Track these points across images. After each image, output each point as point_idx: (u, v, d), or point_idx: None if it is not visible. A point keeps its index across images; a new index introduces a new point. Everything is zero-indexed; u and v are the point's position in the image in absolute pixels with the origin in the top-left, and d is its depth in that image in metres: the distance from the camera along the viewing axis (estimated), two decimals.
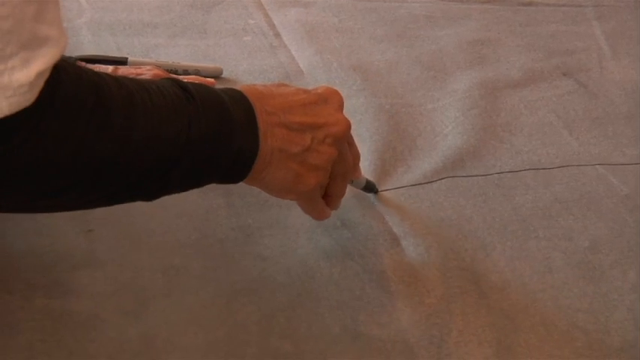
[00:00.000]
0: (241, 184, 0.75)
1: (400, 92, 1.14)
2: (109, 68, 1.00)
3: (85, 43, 1.17)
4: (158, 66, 1.05)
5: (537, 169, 1.01)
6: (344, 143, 0.80)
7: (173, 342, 0.75)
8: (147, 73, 1.00)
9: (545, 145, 1.06)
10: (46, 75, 0.54)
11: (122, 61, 1.09)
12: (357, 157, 0.86)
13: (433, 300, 0.82)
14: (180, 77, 1.06)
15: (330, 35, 1.27)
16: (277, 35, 1.25)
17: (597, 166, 1.02)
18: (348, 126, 0.80)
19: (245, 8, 1.31)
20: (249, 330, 0.77)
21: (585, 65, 1.24)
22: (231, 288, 0.81)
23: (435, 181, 0.98)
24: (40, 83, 0.53)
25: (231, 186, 0.77)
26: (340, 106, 0.81)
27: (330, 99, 0.80)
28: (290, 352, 0.75)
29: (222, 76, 1.14)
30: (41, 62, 0.52)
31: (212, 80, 1.10)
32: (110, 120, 0.61)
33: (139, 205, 0.72)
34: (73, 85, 0.58)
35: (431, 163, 1.01)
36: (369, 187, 0.93)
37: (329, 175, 0.80)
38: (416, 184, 0.97)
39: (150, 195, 0.70)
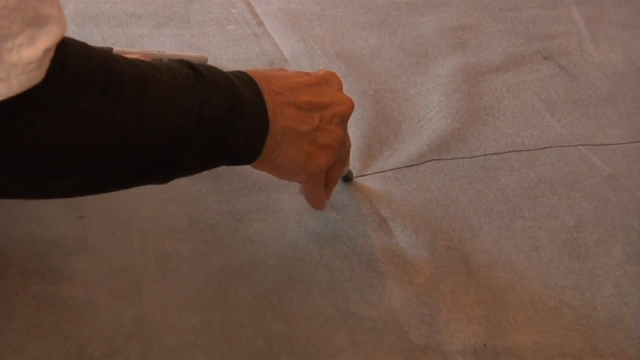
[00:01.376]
0: (230, 169, 0.76)
1: (384, 78, 1.15)
2: None
3: (69, 34, 1.16)
4: (144, 55, 1.05)
5: (521, 150, 1.03)
6: (346, 124, 0.81)
7: (167, 324, 0.76)
8: None
9: (529, 127, 1.07)
10: (52, 52, 0.54)
11: (107, 51, 1.09)
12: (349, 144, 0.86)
13: (422, 279, 0.83)
14: None
15: (312, 23, 1.27)
16: (260, 24, 1.26)
17: (580, 146, 1.04)
18: (353, 105, 0.81)
19: None
20: (242, 312, 0.78)
21: (565, 49, 1.25)
22: (223, 271, 0.82)
23: (421, 163, 0.99)
24: (47, 60, 0.53)
25: (220, 171, 0.78)
26: (341, 87, 0.82)
27: (331, 80, 0.81)
28: (283, 333, 0.76)
29: (207, 64, 1.14)
30: (46, 39, 0.53)
31: None
32: (124, 96, 0.61)
33: (129, 192, 0.72)
34: (83, 62, 0.58)
35: (416, 146, 1.02)
36: (348, 177, 0.94)
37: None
38: (402, 167, 0.98)
39: (164, 177, 0.70)
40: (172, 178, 0.71)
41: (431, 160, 0.99)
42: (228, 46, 1.20)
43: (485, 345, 0.76)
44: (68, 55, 0.56)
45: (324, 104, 0.78)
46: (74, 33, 1.16)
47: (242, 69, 1.10)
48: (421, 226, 0.89)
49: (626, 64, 1.22)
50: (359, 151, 0.99)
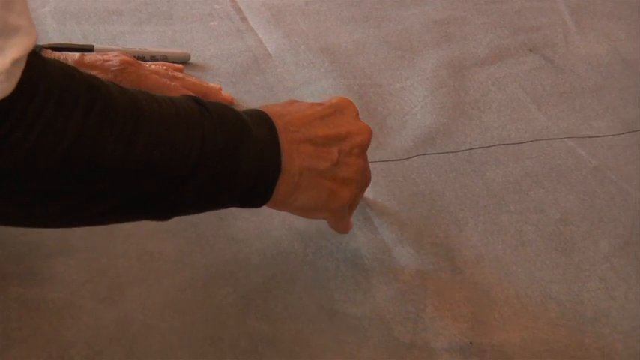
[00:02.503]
0: None
1: (368, 73, 1.14)
2: (75, 56, 0.99)
3: (50, 32, 1.16)
4: (126, 52, 1.04)
5: (507, 144, 1.02)
6: (366, 153, 0.79)
7: (150, 326, 0.75)
8: (113, 59, 0.99)
9: (514, 120, 1.06)
10: (22, 64, 0.52)
11: (88, 49, 1.08)
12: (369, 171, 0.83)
13: (408, 277, 0.82)
14: (148, 64, 1.05)
15: (296, 18, 1.26)
16: (244, 19, 1.25)
17: (566, 139, 1.03)
18: (371, 133, 0.78)
19: None
20: (226, 312, 0.77)
21: (551, 41, 1.25)
22: (207, 271, 0.81)
23: (407, 158, 0.98)
24: (17, 72, 0.52)
25: None
26: (357, 115, 0.79)
27: (346, 109, 0.78)
28: (267, 333, 0.75)
29: (190, 61, 1.14)
30: (16, 50, 0.51)
31: (180, 66, 1.10)
32: (110, 121, 0.58)
33: None
34: (62, 80, 0.56)
35: (402, 141, 1.01)
36: None
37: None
38: (388, 161, 0.97)
39: (162, 212, 0.67)
40: (171, 216, 0.68)
41: (417, 155, 0.99)
42: (211, 42, 1.19)
43: (471, 342, 0.75)
44: (43, 71, 0.55)
45: (342, 136, 0.75)
46: (55, 30, 1.16)
47: (225, 65, 1.11)
48: (407, 222, 0.88)
49: (611, 55, 1.22)
50: None
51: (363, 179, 0.79)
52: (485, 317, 0.79)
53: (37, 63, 0.54)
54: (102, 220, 0.67)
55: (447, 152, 1.00)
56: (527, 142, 1.03)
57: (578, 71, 1.17)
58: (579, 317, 0.79)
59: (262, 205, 0.72)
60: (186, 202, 0.66)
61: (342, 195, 0.75)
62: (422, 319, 0.78)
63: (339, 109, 0.77)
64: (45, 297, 0.77)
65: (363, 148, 0.77)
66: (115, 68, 0.98)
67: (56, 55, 0.99)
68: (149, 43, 1.16)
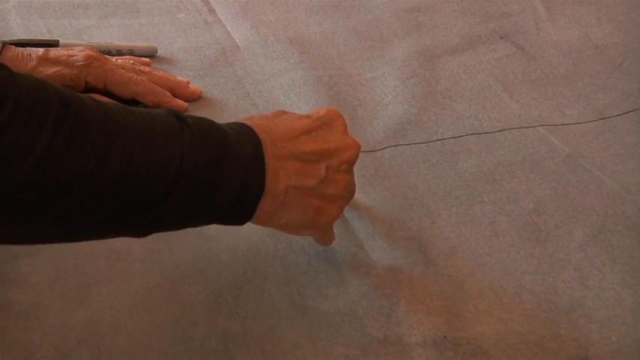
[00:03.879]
0: None
1: (338, 63, 1.13)
2: (39, 51, 0.97)
3: (14, 27, 1.15)
4: (91, 47, 1.02)
5: (479, 133, 1.01)
6: (353, 169, 0.77)
7: (118, 326, 0.74)
8: (78, 54, 0.97)
9: (486, 109, 1.05)
10: None
11: (53, 44, 1.06)
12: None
13: (380, 271, 0.81)
14: (115, 58, 1.04)
15: (265, 9, 1.25)
16: (212, 11, 1.23)
17: (538, 127, 1.03)
18: (359, 148, 0.77)
19: None
20: (195, 310, 0.76)
21: (522, 27, 1.24)
22: (176, 269, 0.80)
23: (378, 150, 0.97)
24: None
25: None
26: (345, 128, 0.77)
27: (334, 122, 0.76)
28: (238, 331, 0.74)
29: (157, 55, 1.12)
30: None
31: (147, 60, 1.08)
32: (85, 132, 0.56)
33: None
34: (33, 91, 0.54)
35: (373, 132, 1.00)
36: None
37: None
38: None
39: (140, 229, 0.65)
40: (150, 232, 0.65)
41: (388, 147, 0.98)
42: (178, 35, 1.17)
43: (445, 336, 0.74)
44: (12, 83, 0.53)
45: (329, 152, 0.73)
46: (19, 25, 1.14)
47: (193, 58, 1.10)
48: (379, 215, 0.87)
49: (582, 40, 1.21)
50: None
51: (350, 194, 0.77)
52: (459, 310, 0.78)
53: (4, 75, 0.53)
54: (77, 237, 0.64)
55: (419, 143, 0.99)
56: (500, 130, 1.02)
57: (550, 58, 1.17)
58: (554, 308, 0.79)
59: (245, 222, 0.70)
60: (164, 219, 0.64)
61: (329, 212, 0.74)
62: (395, 314, 0.77)
63: (327, 122, 0.75)
64: (10, 299, 0.75)
65: (351, 164, 0.76)
66: (80, 63, 0.97)
67: (20, 51, 0.97)
68: (115, 37, 1.15)
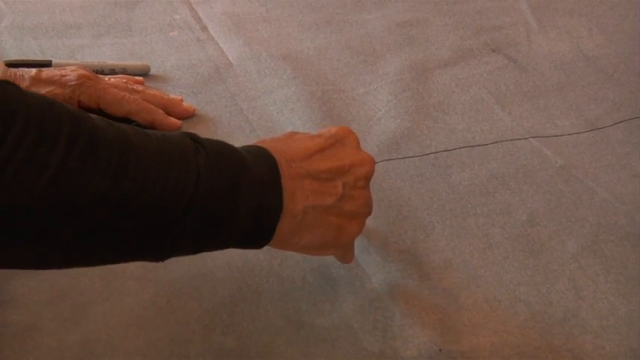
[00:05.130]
0: None
1: (331, 78, 1.14)
2: (32, 71, 0.97)
3: (6, 49, 1.15)
4: (84, 66, 1.03)
5: (472, 146, 1.01)
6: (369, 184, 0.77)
7: (114, 345, 0.74)
8: (71, 74, 0.98)
9: (479, 121, 1.06)
10: None
11: (46, 64, 1.07)
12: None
13: (375, 285, 0.81)
14: (107, 77, 1.04)
15: (257, 26, 1.25)
16: (204, 29, 1.24)
17: (531, 139, 1.03)
18: (374, 163, 0.77)
19: (170, 3, 1.30)
20: (191, 328, 0.76)
21: (514, 40, 1.24)
22: (171, 287, 0.80)
23: None
24: None
25: None
26: (358, 144, 0.77)
27: (346, 138, 0.76)
28: (234, 348, 0.74)
29: (150, 73, 1.12)
30: None
31: (140, 79, 1.09)
32: (95, 154, 0.55)
33: None
34: (44, 109, 0.53)
35: (366, 147, 1.00)
36: None
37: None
38: None
39: (156, 252, 0.63)
40: (168, 256, 0.64)
41: (382, 161, 0.98)
42: (171, 52, 1.18)
43: (440, 350, 0.75)
44: (22, 101, 0.52)
45: (345, 168, 0.73)
46: (12, 47, 1.15)
47: (186, 76, 1.10)
48: (373, 229, 0.87)
49: (574, 52, 1.22)
50: None
51: (368, 210, 0.77)
52: (454, 323, 0.78)
53: (13, 93, 0.52)
54: (91, 261, 0.63)
55: (412, 156, 0.99)
56: (492, 143, 1.02)
57: (542, 70, 1.17)
58: (549, 319, 0.79)
59: (264, 245, 0.69)
60: (182, 242, 0.63)
61: (350, 229, 0.73)
62: (390, 328, 0.77)
63: (339, 139, 0.75)
64: (6, 320, 0.75)
65: (368, 180, 0.75)
66: (73, 83, 0.97)
67: (12, 71, 0.97)
68: (108, 56, 1.15)
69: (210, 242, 0.66)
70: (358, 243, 0.85)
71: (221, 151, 0.65)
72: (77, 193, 0.54)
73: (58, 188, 0.53)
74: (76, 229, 0.56)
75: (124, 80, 1.05)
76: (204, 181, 0.61)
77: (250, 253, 0.83)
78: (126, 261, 0.64)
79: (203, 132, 0.99)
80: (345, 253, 0.79)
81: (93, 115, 0.58)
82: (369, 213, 0.77)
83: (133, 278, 0.80)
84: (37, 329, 0.75)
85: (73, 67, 1.00)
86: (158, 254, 0.64)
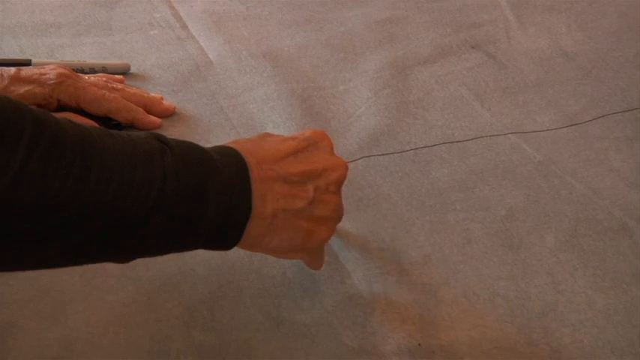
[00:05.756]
0: None
1: (311, 76, 1.14)
2: (11, 70, 0.97)
3: None
4: (64, 65, 1.03)
5: (451, 142, 1.02)
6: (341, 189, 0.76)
7: (94, 343, 0.74)
8: (50, 72, 0.98)
9: (458, 118, 1.06)
10: None
11: (26, 63, 1.07)
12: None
13: (354, 281, 0.81)
14: (87, 76, 1.04)
15: (238, 24, 1.26)
16: (184, 27, 1.24)
17: (510, 135, 1.04)
18: (347, 168, 0.76)
19: (150, 2, 1.30)
20: (171, 325, 0.76)
21: (493, 37, 1.25)
22: (152, 285, 0.80)
23: (351, 161, 0.97)
24: None
25: None
26: (332, 149, 0.76)
27: (320, 142, 0.75)
28: (214, 344, 0.74)
29: (131, 72, 1.12)
30: None
31: (121, 77, 1.09)
32: (61, 153, 0.54)
33: None
34: (5, 111, 0.53)
35: (346, 144, 1.01)
36: None
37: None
38: None
39: (122, 254, 0.63)
40: (132, 258, 0.64)
41: (361, 158, 0.98)
42: (151, 51, 1.18)
43: (419, 344, 0.75)
44: None
45: (317, 172, 0.72)
46: None
47: (166, 75, 1.10)
48: (352, 227, 0.88)
49: (552, 48, 1.22)
50: None
51: (339, 215, 0.76)
52: (433, 318, 0.78)
53: None
54: (57, 263, 0.62)
55: (392, 153, 1.00)
56: (472, 139, 1.03)
57: (521, 66, 1.18)
58: (527, 313, 0.79)
59: (231, 247, 0.69)
60: (147, 244, 0.62)
61: (319, 234, 0.73)
62: (370, 324, 0.77)
63: (312, 142, 0.74)
64: None
65: (339, 185, 0.75)
66: (52, 82, 0.97)
67: None
68: (88, 56, 1.15)
69: (176, 244, 0.65)
70: (338, 240, 0.86)
71: (188, 152, 0.64)
72: (39, 195, 0.53)
73: (19, 190, 0.52)
74: (39, 231, 0.55)
75: (104, 79, 1.04)
76: (170, 183, 0.61)
77: (230, 251, 0.83)
78: (89, 263, 0.64)
79: (183, 130, 0.99)
80: (314, 258, 0.78)
81: (60, 116, 0.57)
82: (340, 218, 0.77)
83: (113, 276, 0.80)
84: (17, 327, 0.75)
85: (52, 66, 1.00)
86: (124, 256, 0.63)
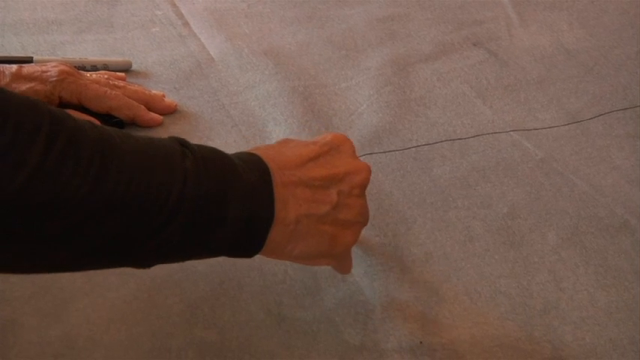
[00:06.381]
0: None
1: (313, 73, 1.14)
2: (12, 68, 0.97)
3: None
4: (65, 62, 1.03)
5: (453, 139, 1.02)
6: (365, 193, 0.74)
7: (95, 340, 0.74)
8: (52, 69, 0.98)
9: (460, 115, 1.06)
10: None
11: (27, 61, 1.07)
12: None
13: (356, 278, 0.81)
14: (89, 73, 1.04)
15: (239, 21, 1.26)
16: (186, 24, 1.24)
17: (512, 132, 1.03)
18: (370, 171, 0.74)
19: None
20: (172, 322, 0.76)
21: (495, 34, 1.25)
22: (153, 282, 0.80)
23: None
24: None
25: None
26: (354, 152, 0.75)
27: (342, 146, 0.74)
28: (215, 341, 0.74)
29: (132, 69, 1.12)
30: None
31: (122, 74, 1.08)
32: (79, 152, 0.53)
33: None
34: (22, 107, 0.52)
35: None
36: None
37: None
38: None
39: (141, 259, 0.62)
40: (153, 263, 0.63)
41: (363, 155, 0.98)
42: (153, 48, 1.18)
43: (421, 342, 0.75)
44: (1, 97, 0.51)
45: (339, 176, 0.71)
46: None
47: (168, 72, 1.10)
48: None
49: (554, 46, 1.22)
50: None
51: (365, 219, 0.75)
52: (434, 316, 0.78)
53: None
54: (73, 265, 0.61)
55: (394, 150, 1.00)
56: (473, 136, 1.03)
57: (522, 63, 1.18)
58: (529, 311, 0.79)
59: (255, 254, 0.68)
60: (167, 248, 0.61)
61: (344, 239, 0.71)
62: (371, 321, 0.77)
63: (334, 146, 0.73)
64: None
65: (363, 188, 0.73)
66: (54, 79, 0.97)
67: None
68: (90, 53, 1.15)
69: (197, 249, 0.64)
70: None
71: (210, 156, 0.63)
72: (56, 194, 0.52)
73: (35, 187, 0.51)
74: (54, 233, 0.54)
75: (106, 76, 1.04)
76: (191, 186, 0.60)
77: None
78: (109, 267, 0.62)
79: (185, 128, 0.99)
80: (341, 263, 0.77)
81: (81, 118, 0.57)
82: (365, 222, 0.75)
83: (114, 273, 0.80)
84: (18, 325, 0.75)
85: (54, 63, 1.00)
86: (143, 261, 0.62)
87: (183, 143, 0.63)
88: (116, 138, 0.57)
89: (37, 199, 0.52)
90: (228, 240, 0.64)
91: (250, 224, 0.64)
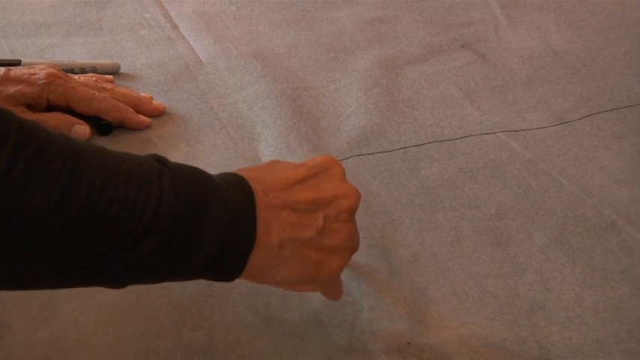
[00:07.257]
0: None
1: (301, 75, 1.14)
2: (0, 70, 0.97)
3: None
4: (53, 65, 1.03)
5: (441, 141, 1.02)
6: (354, 217, 0.72)
7: (83, 342, 0.74)
8: (39, 72, 0.98)
9: (448, 117, 1.07)
10: None
11: (15, 63, 1.07)
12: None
13: (344, 279, 0.81)
14: (77, 76, 1.04)
15: (228, 24, 1.26)
16: (175, 27, 1.24)
17: (499, 133, 1.04)
18: (359, 196, 0.72)
19: (140, 2, 1.30)
20: (160, 324, 0.76)
21: (482, 36, 1.25)
22: None
23: (342, 160, 0.97)
24: None
25: None
26: (343, 175, 0.73)
27: (331, 169, 0.72)
28: (203, 343, 0.75)
29: (121, 71, 1.12)
30: None
31: (110, 77, 1.09)
32: (48, 163, 0.51)
33: None
34: None
35: (336, 143, 1.01)
36: None
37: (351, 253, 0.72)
38: None
39: (113, 278, 0.59)
40: (126, 283, 0.60)
41: (351, 157, 0.98)
42: (141, 51, 1.18)
43: (408, 343, 0.75)
44: None
45: (327, 200, 0.68)
46: None
47: (156, 74, 1.10)
48: None
49: (542, 47, 1.23)
50: (278, 150, 0.98)
51: (353, 245, 0.72)
52: (422, 316, 0.78)
53: None
54: (43, 283, 0.58)
55: (382, 152, 1.00)
56: (461, 137, 1.03)
57: (510, 65, 1.18)
58: (516, 311, 0.80)
59: (235, 278, 0.65)
60: (140, 267, 0.58)
61: (330, 265, 0.68)
62: (359, 322, 0.77)
63: (322, 169, 0.71)
64: None
65: (352, 213, 0.71)
66: (42, 82, 0.97)
67: None
68: (78, 55, 1.15)
69: (172, 270, 0.61)
70: None
71: (190, 175, 0.61)
72: (23, 206, 0.50)
73: (1, 199, 0.50)
74: (21, 247, 0.52)
75: (94, 79, 1.04)
76: (166, 205, 0.57)
77: None
78: (82, 285, 0.59)
79: (173, 130, 1.00)
80: (329, 290, 0.75)
81: (49, 128, 0.55)
82: (355, 248, 0.72)
83: None
84: (6, 327, 0.75)
85: (42, 66, 1.00)
86: (116, 279, 0.60)
87: (161, 161, 0.61)
88: (89, 152, 0.56)
89: (2, 211, 0.50)
90: (207, 261, 0.61)
91: (229, 246, 0.62)
